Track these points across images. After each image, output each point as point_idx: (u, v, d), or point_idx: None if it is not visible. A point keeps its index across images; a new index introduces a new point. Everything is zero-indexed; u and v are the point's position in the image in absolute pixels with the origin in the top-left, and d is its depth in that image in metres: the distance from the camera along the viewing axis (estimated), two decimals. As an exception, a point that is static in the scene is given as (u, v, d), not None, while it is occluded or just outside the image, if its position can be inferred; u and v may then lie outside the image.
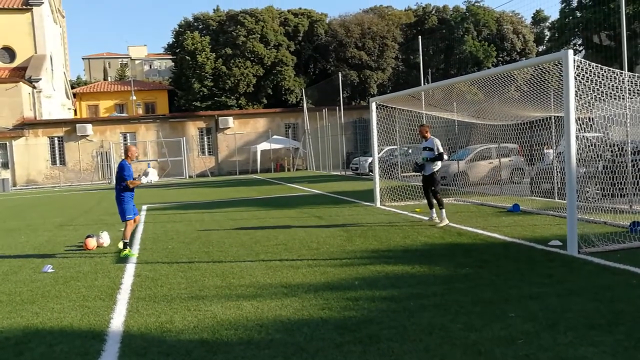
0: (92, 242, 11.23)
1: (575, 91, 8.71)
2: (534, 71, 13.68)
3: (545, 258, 8.41)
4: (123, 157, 10.52)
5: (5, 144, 40.75)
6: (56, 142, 41.78)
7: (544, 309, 5.88)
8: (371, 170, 25.36)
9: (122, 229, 10.60)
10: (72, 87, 61.44)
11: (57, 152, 41.85)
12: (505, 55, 52.01)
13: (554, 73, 12.74)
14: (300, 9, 54.67)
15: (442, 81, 15.58)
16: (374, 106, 16.27)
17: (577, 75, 8.78)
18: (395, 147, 23.40)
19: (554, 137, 15.01)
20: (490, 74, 12.79)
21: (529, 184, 16.76)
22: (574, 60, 8.63)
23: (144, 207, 19.21)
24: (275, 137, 43.23)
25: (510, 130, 16.24)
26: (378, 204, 16.03)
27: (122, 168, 10.24)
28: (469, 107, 18.41)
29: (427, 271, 7.89)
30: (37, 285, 8.16)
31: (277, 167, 43.21)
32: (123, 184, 10.19)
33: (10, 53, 47.37)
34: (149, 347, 5.30)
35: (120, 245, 10.50)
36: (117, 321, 6.22)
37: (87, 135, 41.75)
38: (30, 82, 43.60)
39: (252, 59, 49.53)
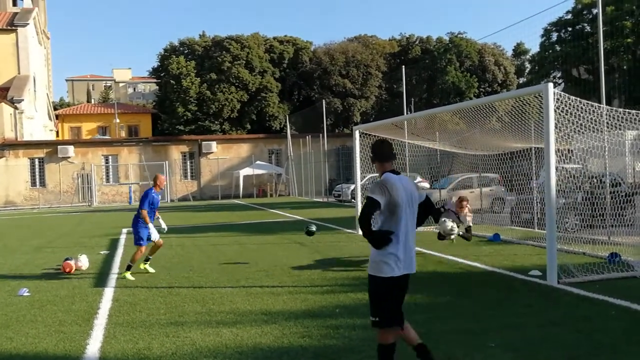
0: (70, 265, 11.06)
1: (555, 123, 8.86)
2: (515, 102, 13.92)
3: (525, 288, 8.46)
4: (152, 185, 10.59)
5: (-16, 164, 40.22)
6: (37, 163, 41.35)
7: (524, 339, 5.90)
8: (353, 197, 25.42)
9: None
10: (55, 109, 61.09)
11: (37, 173, 41.40)
12: (486, 87, 52.79)
13: (534, 105, 12.97)
14: (285, 36, 55.16)
15: (425, 111, 15.78)
16: (357, 134, 16.38)
17: (557, 107, 8.95)
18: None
19: (534, 168, 15.20)
20: (472, 104, 12.99)
21: (509, 214, 16.90)
22: (554, 93, 8.79)
23: (124, 230, 19.02)
24: (258, 162, 43.22)
25: (492, 160, 16.43)
26: (360, 232, 16.00)
27: (145, 196, 10.37)
28: (451, 137, 18.63)
29: (408, 299, 7.81)
30: (12, 309, 8.00)
31: (260, 192, 43.12)
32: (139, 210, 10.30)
33: (-8, 73, 47.04)
34: (126, 374, 5.22)
35: (142, 266, 10.72)
36: (94, 347, 6.11)
37: (69, 157, 41.39)
38: (13, 102, 43.28)
39: (236, 84, 49.72)
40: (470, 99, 46.09)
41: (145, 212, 10.19)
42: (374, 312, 4.62)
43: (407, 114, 25.03)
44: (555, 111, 8.82)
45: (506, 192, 19.38)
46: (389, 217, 4.59)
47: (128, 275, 10.19)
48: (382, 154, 4.82)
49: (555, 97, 8.86)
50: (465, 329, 6.33)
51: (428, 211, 4.97)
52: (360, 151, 16.59)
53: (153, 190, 10.40)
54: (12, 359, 5.79)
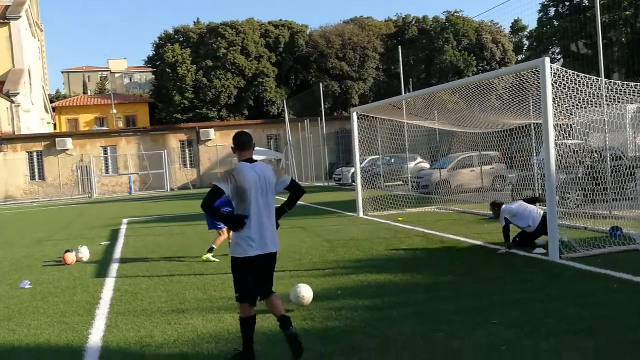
0: (71, 257, 11.05)
1: (554, 98, 8.78)
2: (513, 80, 13.81)
3: (527, 264, 8.43)
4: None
5: (-16, 159, 40.17)
6: (35, 157, 41.26)
7: (526, 315, 5.87)
8: (354, 181, 25.39)
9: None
10: (52, 101, 60.88)
11: (36, 167, 41.33)
12: (485, 65, 52.51)
13: (533, 82, 12.86)
14: (280, 20, 54.77)
15: (424, 90, 15.68)
16: (355, 116, 16.29)
17: (554, 82, 8.86)
18: (378, 157, 23.45)
19: (534, 144, 15.13)
20: (471, 82, 12.87)
21: (510, 191, 16.85)
22: (551, 68, 8.70)
23: (125, 220, 19.01)
24: (257, 148, 42.95)
25: (492, 138, 16.36)
26: (361, 214, 16.00)
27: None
28: (450, 116, 18.53)
29: (410, 280, 7.86)
30: (14, 302, 7.99)
31: (260, 178, 43.08)
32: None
33: (-13, 67, 46.83)
34: (128, 363, 5.21)
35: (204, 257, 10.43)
36: (96, 337, 6.10)
37: (67, 150, 41.30)
38: (9, 96, 43.12)
39: (233, 70, 49.48)
40: (469, 77, 45.87)
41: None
42: (235, 288, 5.12)
43: (405, 94, 24.89)
44: (553, 86, 8.74)
45: (507, 169, 19.32)
46: (239, 202, 5.01)
47: (210, 257, 10.21)
48: (239, 144, 5.24)
49: (553, 71, 8.78)
50: (467, 307, 6.31)
51: (297, 193, 5.38)
52: (359, 134, 16.51)
53: None
54: (15, 351, 5.78)
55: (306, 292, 6.62)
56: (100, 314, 7.03)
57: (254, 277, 5.00)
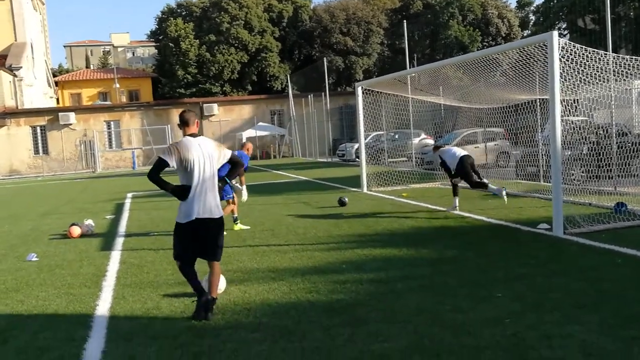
0: (76, 231, 11.11)
1: (560, 73, 8.72)
2: (519, 56, 13.68)
3: (531, 239, 8.46)
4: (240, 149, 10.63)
5: (-13, 133, 40.18)
6: (39, 131, 41.26)
7: (531, 289, 5.91)
8: (358, 157, 25.36)
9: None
10: (54, 76, 60.66)
11: (39, 141, 41.35)
12: (490, 40, 52.09)
13: (539, 58, 12.74)
14: (284, -6, 54.28)
15: (428, 64, 15.54)
16: (359, 91, 16.20)
17: (562, 57, 8.78)
18: (382, 132, 23.38)
19: (539, 120, 15.06)
20: (476, 56, 12.75)
21: (514, 168, 16.83)
22: (559, 42, 8.62)
23: (129, 194, 19.07)
24: (260, 124, 43.03)
25: (496, 113, 16.27)
26: (365, 190, 16.02)
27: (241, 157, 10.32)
28: (455, 91, 18.43)
29: (415, 254, 7.90)
30: (21, 274, 8.06)
31: (263, 154, 43.06)
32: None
33: (-11, 41, 46.57)
34: (136, 333, 5.26)
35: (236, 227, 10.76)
36: (103, 308, 6.16)
37: (70, 124, 41.27)
38: (11, 70, 42.96)
39: (236, 45, 49.17)
40: (473, 53, 45.50)
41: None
42: (173, 248, 5.70)
43: (410, 69, 24.73)
44: (560, 60, 8.67)
45: (511, 146, 19.27)
46: (183, 173, 5.51)
47: (240, 225, 10.63)
48: (183, 121, 5.74)
49: (560, 45, 8.70)
50: (471, 281, 6.34)
51: (235, 165, 5.96)
52: (364, 109, 16.44)
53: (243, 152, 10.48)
54: (23, 321, 5.84)
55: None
56: (107, 286, 7.09)
57: (195, 240, 5.55)
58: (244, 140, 41.22)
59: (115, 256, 8.97)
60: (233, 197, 10.60)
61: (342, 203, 13.22)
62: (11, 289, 7.27)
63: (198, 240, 5.56)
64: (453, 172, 11.51)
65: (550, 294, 5.72)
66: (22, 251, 9.78)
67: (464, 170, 11.23)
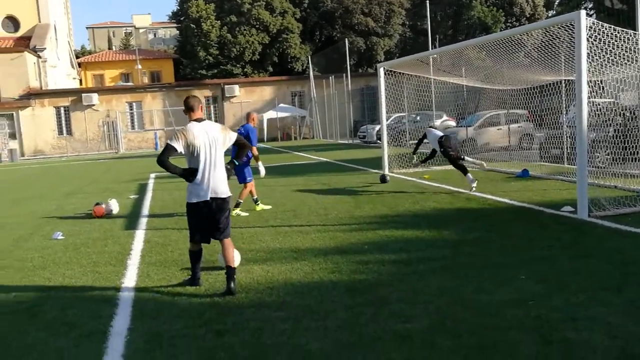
0: (101, 210, 11.27)
1: (587, 53, 8.56)
2: (543, 37, 13.45)
3: (555, 222, 8.38)
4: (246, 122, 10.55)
5: (12, 114, 40.73)
6: (62, 112, 41.71)
7: (555, 272, 5.87)
8: (379, 138, 25.23)
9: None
10: (77, 57, 61.07)
11: (63, 122, 41.82)
12: (514, 21, 51.23)
13: (565, 38, 12.52)
14: (305, -26, 53.79)
15: (451, 45, 15.35)
16: (382, 72, 16.07)
17: (589, 37, 8.62)
18: (403, 114, 23.22)
19: (564, 102, 14.84)
20: (499, 37, 12.57)
21: (538, 150, 16.64)
22: (587, 22, 8.45)
23: (152, 175, 19.25)
24: (281, 105, 43.00)
25: (520, 95, 16.06)
26: (386, 171, 15.95)
27: (252, 131, 10.35)
28: (478, 72, 18.21)
29: (437, 235, 7.88)
30: (48, 252, 8.21)
31: (284, 135, 43.09)
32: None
33: (14, 22, 47.01)
34: (161, 310, 5.34)
35: (258, 208, 10.76)
36: (128, 285, 6.26)
37: (93, 105, 41.63)
38: (35, 51, 43.35)
39: (257, 26, 48.97)
40: (497, 34, 44.85)
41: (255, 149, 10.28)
42: (189, 229, 6.02)
43: (432, 50, 24.44)
44: (587, 40, 8.51)
45: (534, 128, 19.03)
46: (191, 157, 5.76)
47: (238, 211, 10.34)
48: (188, 106, 5.92)
49: (588, 25, 8.53)
50: (494, 263, 6.32)
51: (242, 147, 6.18)
52: (386, 90, 16.32)
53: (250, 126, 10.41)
54: (51, 298, 5.96)
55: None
56: (132, 264, 7.20)
57: (205, 219, 5.85)
58: (264, 121, 41.34)
59: (140, 235, 9.08)
60: (252, 179, 10.59)
61: (383, 180, 13.87)
62: (38, 266, 7.42)
63: (207, 219, 5.85)
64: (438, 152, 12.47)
65: (574, 276, 5.68)
66: (48, 230, 9.95)
67: (443, 150, 12.11)
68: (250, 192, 10.72)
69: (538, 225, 8.21)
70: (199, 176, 5.75)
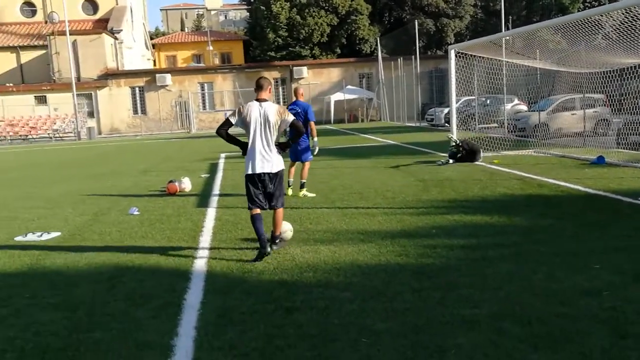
0: (174, 187, 11.65)
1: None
2: (624, 17, 12.84)
3: (633, 211, 8.07)
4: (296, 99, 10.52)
5: (91, 94, 42.44)
6: (137, 92, 43.11)
7: (632, 262, 5.67)
8: (447, 122, 24.84)
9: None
10: (151, 38, 62.84)
11: (138, 101, 43.24)
12: (592, 0, 49.02)
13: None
14: (376, -45, 53.12)
15: (525, 27, 14.89)
16: (452, 54, 15.80)
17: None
18: (473, 97, 22.76)
19: (645, 87, 14.17)
20: (576, 18, 12.12)
21: (615, 136, 15.99)
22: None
23: (222, 155, 19.68)
24: (349, 87, 42.93)
25: (598, 78, 15.43)
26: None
27: (308, 107, 10.42)
28: (552, 55, 17.60)
29: (506, 221, 7.75)
30: (124, 227, 8.58)
31: (351, 117, 43.05)
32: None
33: (93, 5, 48.80)
34: (232, 287, 5.50)
35: (300, 193, 10.53)
36: (201, 261, 6.47)
37: (167, 85, 42.82)
38: (112, 33, 44.88)
39: (326, 8, 48.86)
40: (575, 14, 43.04)
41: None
42: (247, 197, 6.57)
43: (503, 32, 23.73)
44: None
45: (611, 113, 18.26)
46: (246, 132, 6.44)
47: (305, 192, 10.39)
48: (258, 85, 6.51)
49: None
50: (566, 251, 6.16)
51: (297, 130, 6.71)
52: (456, 72, 16.03)
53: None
54: (128, 270, 6.24)
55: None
56: (204, 241, 7.43)
57: (258, 189, 6.43)
58: (331, 103, 41.36)
59: (211, 213, 9.35)
60: (312, 159, 10.64)
61: (453, 156, 14.37)
62: (116, 240, 7.77)
63: (260, 190, 6.45)
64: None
65: (652, 267, 5.48)
66: (125, 205, 10.38)
67: None
68: (289, 172, 10.54)
69: (614, 214, 7.93)
70: (249, 150, 6.38)
